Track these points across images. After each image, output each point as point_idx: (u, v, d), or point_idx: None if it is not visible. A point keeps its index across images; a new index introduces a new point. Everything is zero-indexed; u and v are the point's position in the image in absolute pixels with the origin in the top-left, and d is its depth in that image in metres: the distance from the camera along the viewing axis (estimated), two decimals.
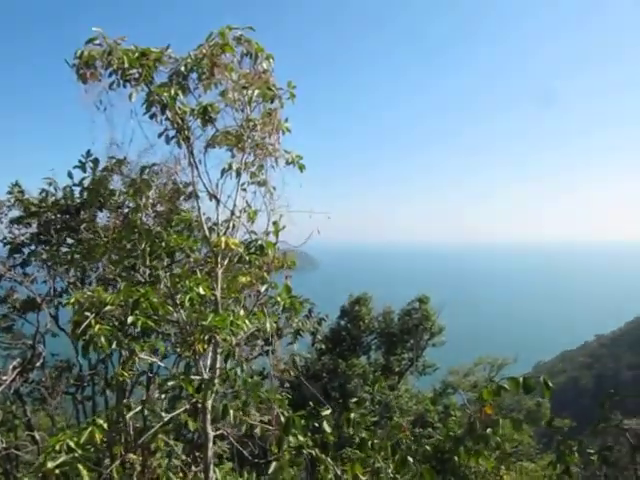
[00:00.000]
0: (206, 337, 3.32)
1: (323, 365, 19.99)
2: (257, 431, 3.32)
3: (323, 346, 19.28)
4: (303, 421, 2.97)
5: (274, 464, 3.01)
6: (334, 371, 18.99)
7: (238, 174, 4.49)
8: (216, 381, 3.79)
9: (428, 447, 3.24)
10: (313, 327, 16.17)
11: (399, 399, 19.03)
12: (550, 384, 2.71)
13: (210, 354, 4.03)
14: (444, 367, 23.09)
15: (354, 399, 3.85)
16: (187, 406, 3.72)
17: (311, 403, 3.24)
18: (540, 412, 24.62)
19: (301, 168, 5.10)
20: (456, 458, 3.17)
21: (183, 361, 4.75)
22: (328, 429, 3.09)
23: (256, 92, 4.63)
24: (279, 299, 3.84)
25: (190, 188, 5.12)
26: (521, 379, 2.73)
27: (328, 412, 3.14)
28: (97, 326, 3.34)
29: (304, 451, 2.99)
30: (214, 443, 5.86)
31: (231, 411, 3.23)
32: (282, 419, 2.97)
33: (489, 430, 2.82)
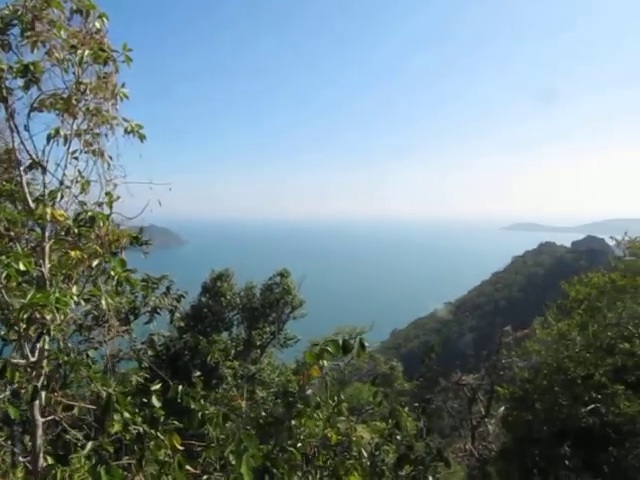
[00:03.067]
0: (25, 316, 3.04)
1: (185, 343, 19.59)
2: (75, 412, 3.15)
3: (182, 323, 18.86)
4: (130, 398, 2.88)
5: (90, 443, 2.88)
6: (196, 348, 18.70)
7: (66, 141, 4.15)
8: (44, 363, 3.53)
9: (264, 412, 3.33)
10: (171, 304, 15.69)
11: (261, 372, 19.30)
12: (365, 344, 2.91)
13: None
14: (305, 339, 23.77)
15: (197, 373, 3.81)
16: (7, 392, 3.41)
17: (138, 379, 3.14)
18: (393, 375, 26.46)
19: (141, 138, 4.84)
20: (293, 422, 3.29)
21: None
22: (157, 404, 3.03)
23: (87, 52, 4.28)
24: (112, 273, 3.63)
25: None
26: (341, 341, 2.90)
27: (158, 387, 3.08)
28: None
29: (130, 428, 2.90)
30: (66, 432, 5.48)
31: (43, 393, 3.02)
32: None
33: (309, 391, 2.96)
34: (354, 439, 3.75)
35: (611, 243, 16.50)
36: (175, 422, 2.86)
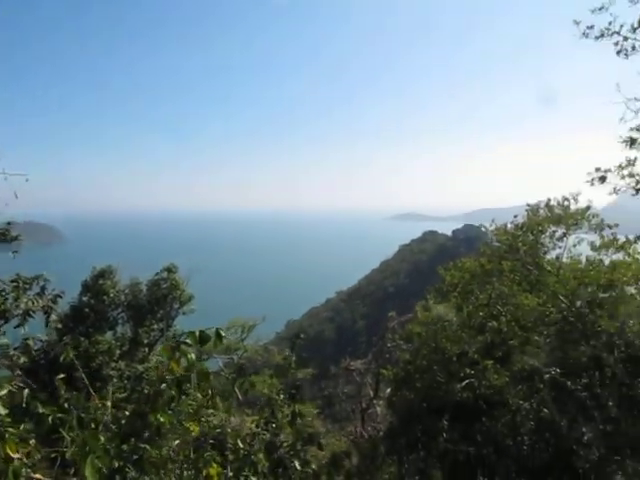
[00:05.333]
0: None
1: (65, 346, 18.40)
2: None
3: (60, 325, 17.67)
4: None
5: None
6: (76, 350, 17.63)
7: None
8: None
9: (127, 412, 3.22)
10: (46, 306, 14.62)
11: (150, 371, 18.64)
12: (223, 334, 2.91)
13: None
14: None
15: (61, 375, 3.60)
16: None
17: (11, 387, 2.91)
18: (287, 365, 26.62)
19: None
20: (162, 419, 3.21)
21: None
22: (3, 411, 2.81)
23: None
24: None
25: None
26: (197, 332, 2.87)
27: (2, 393, 2.86)
28: None
29: None
30: None
31: None
32: None
33: (163, 385, 2.92)
34: (229, 431, 3.74)
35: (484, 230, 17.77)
36: (10, 429, 2.66)
